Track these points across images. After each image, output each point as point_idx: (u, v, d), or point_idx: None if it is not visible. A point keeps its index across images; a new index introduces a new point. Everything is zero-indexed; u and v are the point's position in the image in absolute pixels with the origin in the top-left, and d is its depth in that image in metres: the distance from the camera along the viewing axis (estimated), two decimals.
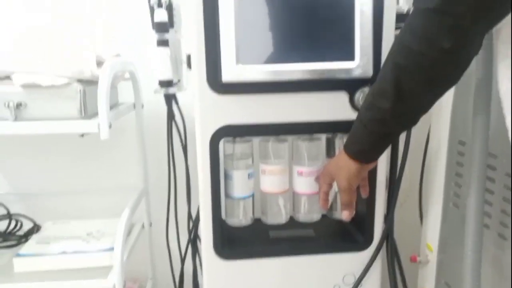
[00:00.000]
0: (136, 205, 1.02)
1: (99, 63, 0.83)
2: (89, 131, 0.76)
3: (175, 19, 0.88)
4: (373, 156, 0.75)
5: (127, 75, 0.99)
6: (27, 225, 1.08)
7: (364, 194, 0.87)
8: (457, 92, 0.88)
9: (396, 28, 0.87)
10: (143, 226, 1.13)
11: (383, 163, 0.88)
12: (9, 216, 1.08)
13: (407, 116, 0.67)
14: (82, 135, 0.81)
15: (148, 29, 0.84)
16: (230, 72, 0.77)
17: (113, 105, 0.96)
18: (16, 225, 1.08)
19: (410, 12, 0.62)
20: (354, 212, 0.83)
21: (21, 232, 1.08)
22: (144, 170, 1.11)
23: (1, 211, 1.08)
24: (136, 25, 1.02)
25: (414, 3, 0.62)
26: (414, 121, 0.67)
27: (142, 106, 1.07)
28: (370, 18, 0.78)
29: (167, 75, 0.81)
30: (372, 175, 0.87)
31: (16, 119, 0.77)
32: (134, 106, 1.06)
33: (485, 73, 0.69)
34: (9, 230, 1.08)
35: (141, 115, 1.07)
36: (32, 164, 1.16)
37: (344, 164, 0.76)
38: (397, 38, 0.64)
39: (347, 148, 0.75)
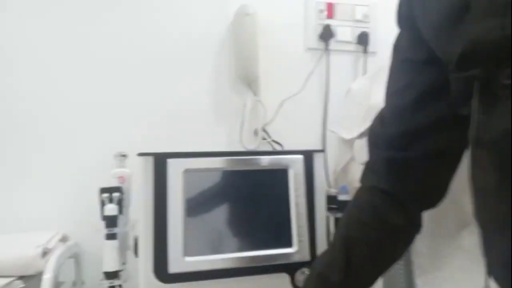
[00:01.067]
0: None
1: (45, 253, 0.83)
2: None
3: (124, 203, 0.93)
4: None
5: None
6: None
7: None
8: None
9: (328, 209, 0.98)
10: None
11: None
12: None
13: None
14: None
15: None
16: (177, 265, 0.80)
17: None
18: None
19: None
20: None
21: None
22: None
23: None
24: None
25: (360, 180, 0.68)
26: None
27: (83, 283, 1.05)
28: (304, 207, 0.89)
29: (113, 267, 0.83)
30: None
31: None
32: (74, 284, 1.03)
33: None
34: None
35: None
36: None
37: None
38: (347, 211, 0.68)
39: None
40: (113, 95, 1.15)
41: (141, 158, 0.83)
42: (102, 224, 0.87)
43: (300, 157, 0.89)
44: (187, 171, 0.83)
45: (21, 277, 0.78)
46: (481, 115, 0.47)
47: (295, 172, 0.88)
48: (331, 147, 1.18)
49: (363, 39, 1.27)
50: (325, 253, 0.70)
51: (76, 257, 1.01)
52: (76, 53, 1.14)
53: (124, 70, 1.16)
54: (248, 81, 1.19)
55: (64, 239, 0.99)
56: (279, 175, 0.88)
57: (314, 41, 1.26)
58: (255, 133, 1.20)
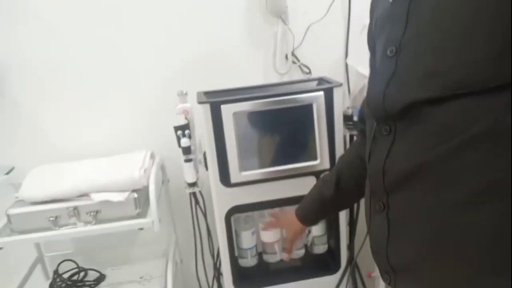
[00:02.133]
0: (173, 254, 1.43)
1: (145, 171, 1.22)
2: (146, 226, 1.16)
3: (191, 130, 1.26)
4: (313, 223, 1.12)
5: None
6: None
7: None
8: None
9: (345, 126, 1.26)
10: (176, 264, 1.54)
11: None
12: (78, 268, 1.48)
13: (340, 203, 1.03)
14: (142, 229, 1.20)
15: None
16: (236, 177, 1.16)
17: None
18: (84, 275, 1.48)
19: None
20: (292, 254, 1.19)
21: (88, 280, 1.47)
22: (174, 227, 1.52)
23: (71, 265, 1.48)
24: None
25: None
26: (344, 208, 1.06)
27: (168, 181, 1.46)
28: (325, 131, 1.17)
29: (192, 179, 1.20)
30: (335, 215, 1.28)
31: (95, 223, 1.16)
32: (163, 182, 1.44)
33: None
34: (79, 279, 1.47)
35: (168, 188, 1.46)
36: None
37: (293, 221, 1.06)
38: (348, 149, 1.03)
39: (297, 212, 1.06)
40: (160, 39, 1.37)
41: (201, 106, 1.12)
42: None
43: (321, 94, 1.14)
44: (236, 113, 1.12)
45: (133, 190, 1.19)
46: (369, 147, 0.68)
47: (317, 105, 1.15)
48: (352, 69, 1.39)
49: None
50: (325, 175, 1.03)
51: (162, 165, 1.40)
52: (135, 8, 1.33)
53: (165, 15, 1.35)
54: (278, 12, 1.35)
55: (152, 156, 1.37)
56: (306, 109, 1.15)
57: None
58: (286, 58, 1.42)
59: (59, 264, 1.47)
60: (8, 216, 1.15)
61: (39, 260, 1.47)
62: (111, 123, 1.44)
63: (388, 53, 0.60)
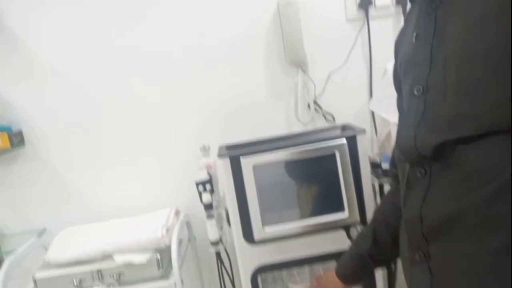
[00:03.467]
0: None
1: (168, 230, 1.19)
2: None
3: (214, 184, 1.23)
4: (353, 281, 0.99)
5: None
6: None
7: None
8: None
9: (373, 174, 1.19)
10: None
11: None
12: None
13: (380, 257, 0.93)
14: None
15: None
16: (259, 233, 1.11)
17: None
18: None
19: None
20: None
21: None
22: (201, 286, 1.46)
23: None
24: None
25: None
26: (384, 262, 0.96)
27: (195, 238, 1.43)
28: (351, 180, 1.11)
29: (215, 237, 1.16)
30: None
31: (119, 285, 1.13)
32: (189, 239, 1.41)
33: None
34: None
35: (195, 245, 1.42)
36: None
37: (333, 280, 0.97)
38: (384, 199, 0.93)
39: (336, 270, 0.97)
40: (184, 96, 1.40)
41: (220, 160, 1.10)
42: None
43: (343, 141, 1.09)
44: (255, 166, 1.09)
45: (155, 250, 1.16)
46: (404, 192, 0.65)
47: (340, 154, 1.09)
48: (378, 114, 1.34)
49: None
50: (363, 228, 0.96)
51: (187, 223, 1.37)
52: (158, 66, 1.39)
53: (189, 73, 1.39)
54: (297, 62, 1.35)
55: (177, 213, 1.35)
56: (329, 158, 1.10)
57: (354, 11, 1.34)
58: (308, 107, 1.39)
59: None
60: (35, 281, 1.15)
61: None
62: (139, 182, 1.45)
63: (415, 92, 0.60)
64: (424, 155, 0.58)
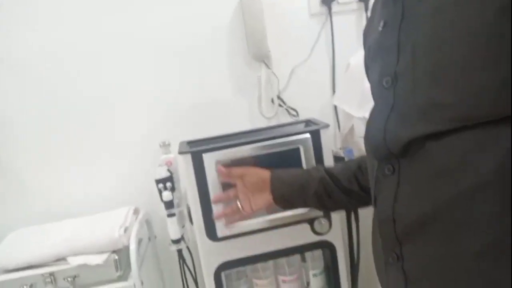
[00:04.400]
0: None
1: (126, 229, 1.14)
2: None
3: (175, 181, 1.19)
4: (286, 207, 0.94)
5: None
6: None
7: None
8: None
9: None
10: None
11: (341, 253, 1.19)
12: None
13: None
14: None
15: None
16: (223, 230, 1.08)
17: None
18: None
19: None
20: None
21: None
22: (163, 286, 1.41)
23: None
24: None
25: None
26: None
27: (155, 237, 1.38)
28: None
29: (176, 235, 1.12)
30: (334, 266, 1.18)
31: None
32: (149, 238, 1.36)
33: None
34: None
35: (155, 244, 1.38)
36: None
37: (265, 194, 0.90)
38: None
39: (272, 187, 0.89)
40: (145, 90, 1.35)
41: (181, 156, 1.07)
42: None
43: (307, 136, 1.09)
44: (218, 162, 1.06)
45: (113, 251, 1.11)
46: (374, 190, 0.62)
47: (304, 148, 1.09)
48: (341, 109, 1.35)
49: None
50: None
51: (147, 221, 1.32)
52: (115, 60, 1.32)
53: (150, 67, 1.34)
54: (261, 56, 1.33)
55: (136, 211, 1.29)
56: (293, 153, 1.09)
57: (317, 7, 1.34)
58: (272, 101, 1.38)
59: None
60: None
61: None
62: (96, 180, 1.38)
63: (384, 84, 0.56)
64: (392, 152, 0.55)
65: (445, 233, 0.51)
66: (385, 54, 0.57)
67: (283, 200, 0.91)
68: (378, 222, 0.61)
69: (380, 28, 0.59)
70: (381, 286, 0.65)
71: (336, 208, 0.91)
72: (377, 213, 0.62)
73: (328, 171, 0.90)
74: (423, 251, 0.54)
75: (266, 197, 0.91)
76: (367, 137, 0.63)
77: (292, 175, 0.92)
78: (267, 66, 1.35)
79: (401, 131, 0.53)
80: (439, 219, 0.51)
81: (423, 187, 0.52)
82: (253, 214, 0.97)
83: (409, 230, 0.55)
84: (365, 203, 0.81)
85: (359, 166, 0.85)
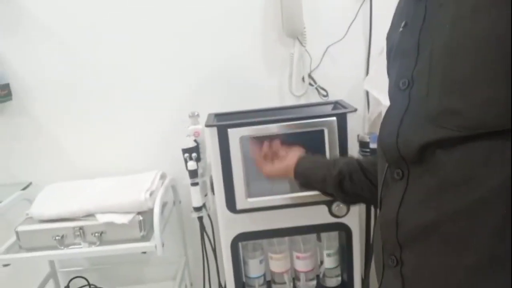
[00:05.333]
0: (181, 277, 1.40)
1: (152, 193, 1.20)
2: (148, 250, 1.13)
3: (201, 152, 1.23)
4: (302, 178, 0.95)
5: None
6: None
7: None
8: None
9: (360, 153, 1.19)
10: (186, 287, 1.51)
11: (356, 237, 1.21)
12: (89, 285, 1.48)
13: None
14: (145, 252, 1.18)
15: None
16: (242, 203, 1.12)
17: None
18: None
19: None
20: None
21: None
22: (185, 250, 1.49)
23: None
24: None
25: None
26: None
27: (180, 202, 1.44)
28: (338, 154, 1.10)
29: (198, 203, 1.17)
30: (349, 249, 1.20)
31: (100, 244, 1.15)
32: (174, 203, 1.42)
33: None
34: None
35: (180, 209, 1.44)
36: None
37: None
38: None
39: (297, 168, 0.94)
40: (176, 60, 1.37)
41: (207, 129, 1.09)
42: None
43: (333, 119, 1.08)
44: (243, 138, 1.08)
45: (138, 213, 1.17)
46: (381, 191, 0.62)
47: (329, 131, 1.09)
48: None
49: None
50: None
51: (173, 187, 1.38)
52: (150, 30, 1.35)
53: (183, 37, 1.35)
54: (295, 33, 1.32)
55: (163, 176, 1.35)
56: (317, 134, 1.10)
57: None
58: (303, 80, 1.37)
59: (70, 281, 1.48)
60: (17, 233, 1.17)
61: (52, 275, 1.48)
62: (128, 143, 1.44)
63: (401, 85, 0.56)
64: (403, 156, 0.55)
65: (445, 243, 0.51)
66: (405, 55, 0.56)
67: (303, 176, 0.93)
68: (381, 224, 0.62)
69: (400, 29, 0.58)
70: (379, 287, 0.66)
71: (352, 195, 0.91)
72: (381, 215, 0.63)
73: (356, 159, 0.91)
74: (422, 258, 0.55)
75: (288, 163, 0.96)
76: (380, 138, 0.62)
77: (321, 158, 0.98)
78: (301, 43, 1.33)
79: (413, 136, 0.53)
80: (442, 229, 0.51)
81: (430, 196, 0.53)
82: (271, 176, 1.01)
83: (411, 235, 0.56)
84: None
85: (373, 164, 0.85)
